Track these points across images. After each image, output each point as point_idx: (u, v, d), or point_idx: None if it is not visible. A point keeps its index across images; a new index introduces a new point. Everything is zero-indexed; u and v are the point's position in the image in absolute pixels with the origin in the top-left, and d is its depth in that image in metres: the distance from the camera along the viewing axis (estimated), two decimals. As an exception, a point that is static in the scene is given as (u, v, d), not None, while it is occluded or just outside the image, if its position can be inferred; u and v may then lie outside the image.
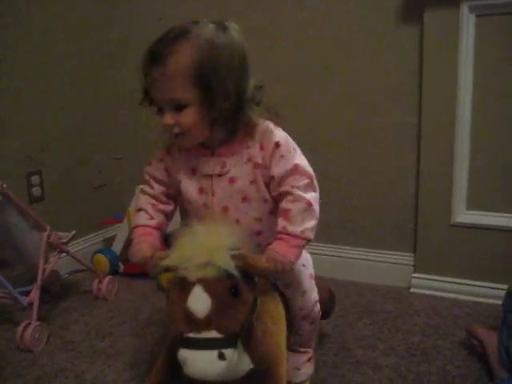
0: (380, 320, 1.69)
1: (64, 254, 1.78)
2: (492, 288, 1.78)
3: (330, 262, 1.99)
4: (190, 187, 1.09)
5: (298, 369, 1.27)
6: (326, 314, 1.43)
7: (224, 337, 0.87)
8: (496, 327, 1.39)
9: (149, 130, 2.38)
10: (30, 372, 1.42)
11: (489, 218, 1.79)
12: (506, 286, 1.38)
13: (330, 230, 2.05)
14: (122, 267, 2.13)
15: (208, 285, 0.87)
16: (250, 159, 1.05)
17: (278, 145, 1.03)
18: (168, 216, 1.16)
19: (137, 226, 1.12)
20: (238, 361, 0.93)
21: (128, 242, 2.10)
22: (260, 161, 1.04)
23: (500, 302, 1.38)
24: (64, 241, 1.75)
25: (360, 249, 2.05)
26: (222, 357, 0.85)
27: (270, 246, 1.00)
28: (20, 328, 1.53)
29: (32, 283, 1.62)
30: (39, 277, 1.62)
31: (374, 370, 1.40)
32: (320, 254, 1.95)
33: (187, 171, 1.09)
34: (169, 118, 1.01)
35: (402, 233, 1.97)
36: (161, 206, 1.14)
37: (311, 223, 1.01)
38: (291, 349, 1.24)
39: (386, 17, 1.85)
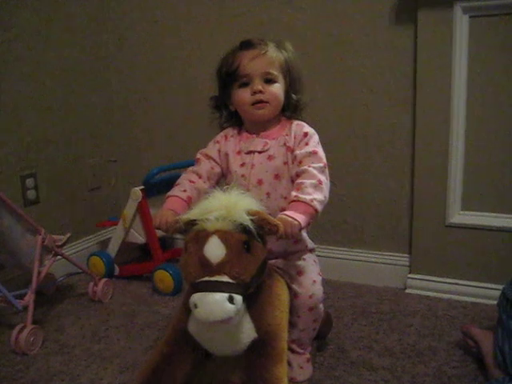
0: (376, 321, 1.69)
1: (59, 257, 1.78)
2: (487, 288, 1.78)
3: (325, 263, 1.97)
4: (234, 162, 1.28)
5: (302, 367, 1.30)
6: (321, 334, 1.46)
7: (235, 282, 0.94)
8: (491, 328, 1.40)
9: (144, 133, 2.39)
10: (25, 375, 1.42)
11: (484, 219, 1.79)
12: (501, 287, 1.38)
13: (325, 231, 2.05)
14: (117, 270, 2.12)
15: (224, 236, 0.96)
16: (285, 144, 1.25)
17: (306, 134, 1.25)
18: (201, 194, 1.25)
19: (168, 196, 1.25)
20: (243, 326, 1.04)
21: (124, 245, 2.11)
22: (291, 145, 1.24)
23: (495, 303, 1.38)
24: (59, 244, 1.75)
25: (355, 250, 2.05)
26: (231, 300, 0.92)
27: (281, 213, 1.11)
28: (15, 331, 1.52)
29: (27, 286, 1.62)
30: (34, 280, 1.61)
31: (369, 371, 1.40)
32: (316, 255, 1.94)
33: (235, 151, 1.29)
34: (259, 85, 1.22)
35: (398, 234, 1.97)
36: (198, 183, 1.27)
37: (320, 196, 1.14)
38: (290, 349, 1.26)
39: (380, 17, 1.86)
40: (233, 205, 0.98)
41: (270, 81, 1.24)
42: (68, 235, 1.78)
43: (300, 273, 1.25)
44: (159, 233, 2.08)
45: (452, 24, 1.71)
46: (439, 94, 1.77)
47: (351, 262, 2.05)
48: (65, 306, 1.86)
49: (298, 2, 1.97)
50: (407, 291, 1.92)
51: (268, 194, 1.23)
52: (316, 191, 1.14)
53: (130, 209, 2.03)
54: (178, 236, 2.39)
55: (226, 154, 1.29)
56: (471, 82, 1.75)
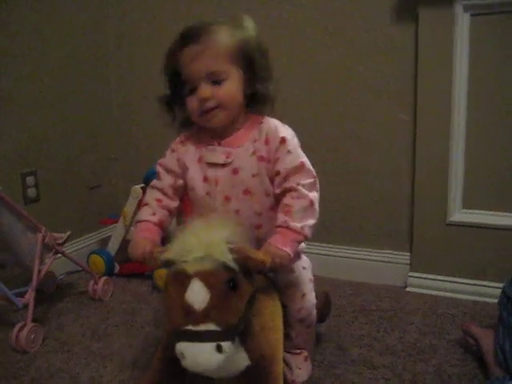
0: (376, 319, 1.69)
1: (59, 255, 1.77)
2: (488, 287, 1.78)
3: (326, 262, 1.99)
4: (195, 175, 1.13)
5: (300, 368, 1.28)
6: (321, 317, 1.45)
7: (222, 330, 0.87)
8: (492, 326, 1.40)
9: (144, 131, 2.38)
10: (25, 373, 1.42)
11: (485, 217, 1.79)
12: (501, 285, 1.37)
13: (325, 230, 2.05)
14: (117, 268, 2.12)
15: (206, 277, 0.87)
16: (254, 152, 1.09)
17: (283, 140, 1.08)
18: (171, 213, 1.18)
19: (139, 221, 1.16)
20: (236, 357, 0.95)
21: (124, 243, 2.11)
22: (264, 154, 1.09)
23: (496, 301, 1.38)
24: (59, 242, 1.74)
25: (356, 248, 2.05)
26: (219, 349, 0.85)
27: (268, 241, 1.02)
28: (15, 329, 1.52)
29: (27, 284, 1.62)
30: (34, 278, 1.61)
31: (370, 369, 1.40)
32: (316, 254, 1.94)
33: (195, 159, 1.14)
34: (206, 91, 1.05)
35: (398, 232, 1.97)
36: (165, 202, 1.17)
37: (311, 221, 1.04)
38: (286, 350, 1.23)
39: (381, 16, 1.85)
40: (213, 243, 0.89)
41: (217, 81, 1.06)
42: (68, 233, 1.78)
43: (288, 286, 1.18)
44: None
45: (453, 22, 1.71)
46: (440, 92, 1.77)
47: (352, 260, 2.04)
48: (65, 304, 1.86)
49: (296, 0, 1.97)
50: (408, 289, 1.92)
51: (237, 211, 1.11)
52: (307, 215, 1.04)
53: (130, 207, 2.03)
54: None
55: (186, 167, 1.15)
56: (472, 81, 1.74)
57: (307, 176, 1.07)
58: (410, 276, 1.93)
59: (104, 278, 1.91)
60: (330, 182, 1.98)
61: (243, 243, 0.93)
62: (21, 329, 1.52)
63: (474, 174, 1.80)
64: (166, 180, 1.18)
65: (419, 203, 1.88)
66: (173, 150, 1.20)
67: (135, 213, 2.03)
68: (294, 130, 1.16)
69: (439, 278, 1.88)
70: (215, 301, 0.87)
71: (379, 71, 1.89)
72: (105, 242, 2.27)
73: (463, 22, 1.71)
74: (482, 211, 1.80)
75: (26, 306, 1.57)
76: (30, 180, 1.99)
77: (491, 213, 1.79)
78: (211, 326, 0.86)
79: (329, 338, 1.56)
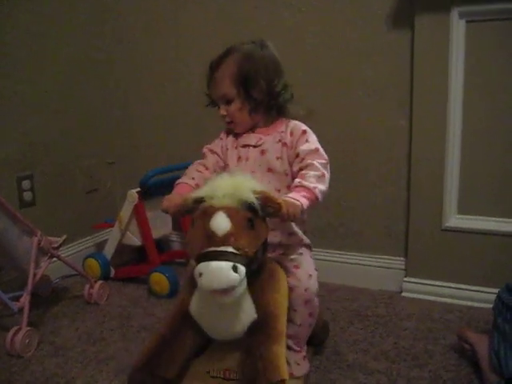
0: (371, 324, 1.70)
1: (55, 259, 1.77)
2: (483, 292, 1.79)
3: (321, 266, 1.96)
4: (232, 156, 1.34)
5: (298, 363, 1.30)
6: (318, 341, 1.49)
7: (239, 253, 0.98)
8: (487, 331, 1.40)
9: (141, 136, 2.39)
10: (21, 378, 1.41)
11: (480, 223, 1.80)
12: (496, 290, 1.38)
13: (321, 235, 2.05)
14: (113, 272, 2.12)
15: (230, 212, 1.00)
16: (280, 140, 1.29)
17: (304, 132, 1.29)
18: None
19: (177, 184, 1.30)
20: (244, 305, 1.07)
21: (120, 247, 2.11)
22: (288, 142, 1.28)
23: (491, 306, 1.39)
24: (55, 246, 1.74)
25: (351, 253, 2.05)
26: (235, 269, 0.95)
27: (284, 196, 1.14)
28: (10, 333, 1.52)
29: (22, 288, 1.61)
30: (30, 282, 1.60)
31: (365, 374, 1.40)
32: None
33: (233, 145, 1.35)
34: (222, 110, 1.31)
35: (394, 237, 1.97)
36: (205, 173, 1.32)
37: (322, 187, 1.18)
38: (287, 346, 1.24)
39: (377, 22, 1.86)
40: (239, 184, 1.03)
41: (228, 102, 1.29)
42: (64, 237, 1.78)
43: (296, 266, 1.27)
44: (155, 235, 2.08)
45: (449, 29, 1.72)
46: (436, 97, 1.78)
47: (347, 265, 2.05)
48: (60, 308, 1.86)
49: (296, 4, 1.98)
50: (403, 294, 1.92)
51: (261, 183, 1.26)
52: (319, 181, 1.18)
53: (126, 211, 2.03)
54: (174, 238, 2.40)
55: (227, 149, 1.35)
56: (468, 86, 1.75)
57: (321, 158, 1.24)
58: (406, 281, 1.93)
59: (99, 282, 1.91)
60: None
61: (264, 188, 1.06)
62: (16, 333, 1.52)
63: (469, 179, 1.81)
64: (210, 158, 1.36)
65: (415, 208, 1.88)
66: (220, 139, 1.38)
67: (131, 217, 2.03)
68: None
69: (434, 283, 1.88)
70: (235, 230, 0.99)
71: (376, 77, 1.90)
72: (100, 246, 2.27)
73: (459, 29, 1.72)
74: (478, 217, 1.80)
75: (21, 310, 1.57)
76: (25, 184, 1.99)
77: (487, 218, 1.79)
78: (230, 249, 0.97)
79: (325, 343, 1.56)
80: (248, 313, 1.08)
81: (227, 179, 1.05)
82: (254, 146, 1.30)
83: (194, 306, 1.11)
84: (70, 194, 2.22)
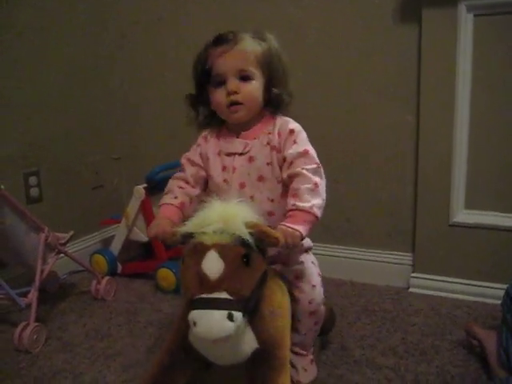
0: (379, 320, 1.69)
1: (62, 255, 1.78)
2: (491, 288, 1.78)
3: (328, 262, 1.98)
4: (215, 165, 1.23)
5: (306, 370, 1.29)
6: (324, 331, 1.46)
7: (234, 299, 0.91)
8: (495, 327, 1.39)
9: (146, 131, 2.39)
10: (28, 373, 1.42)
11: (487, 218, 1.79)
12: (505, 286, 1.37)
13: (328, 230, 2.05)
14: (120, 268, 2.12)
15: (222, 250, 0.93)
16: (268, 143, 1.19)
17: (292, 131, 1.18)
18: (192, 200, 1.24)
19: (161, 205, 1.23)
20: (245, 337, 1.01)
21: (126, 243, 2.11)
22: (276, 145, 1.18)
23: (499, 302, 1.38)
24: (62, 242, 1.75)
25: (359, 249, 2.05)
26: (230, 318, 0.89)
27: (281, 223, 1.07)
28: (18, 329, 1.52)
29: (30, 284, 1.62)
30: (37, 278, 1.61)
31: (372, 370, 1.40)
32: (319, 254, 1.93)
33: (215, 152, 1.24)
34: (235, 85, 1.16)
35: (401, 232, 1.97)
36: (187, 189, 1.24)
37: (318, 201, 1.10)
38: (293, 351, 1.25)
39: (384, 16, 1.85)
40: (231, 217, 0.95)
41: (245, 78, 1.17)
42: (71, 233, 1.79)
43: (298, 278, 1.22)
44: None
45: (456, 23, 1.70)
46: (443, 92, 1.77)
47: (354, 260, 2.04)
48: (68, 304, 1.87)
49: (301, 0, 1.97)
50: (410, 290, 1.92)
51: (252, 197, 1.18)
52: (313, 196, 1.09)
53: (132, 207, 2.04)
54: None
55: (207, 157, 1.25)
56: (475, 81, 1.74)
57: (310, 162, 1.14)
58: (413, 277, 1.93)
59: (107, 277, 1.92)
60: (332, 183, 1.97)
61: (258, 220, 0.98)
62: (24, 328, 1.52)
63: (476, 174, 1.80)
64: (189, 170, 1.26)
65: (422, 204, 1.87)
66: (198, 145, 1.29)
67: (137, 213, 2.03)
68: None
69: (442, 278, 1.88)
70: (229, 272, 0.92)
71: (383, 72, 1.89)
72: (107, 241, 2.27)
73: (466, 23, 1.70)
74: (485, 212, 1.79)
75: (28, 306, 1.57)
76: (32, 180, 1.99)
77: (494, 213, 1.79)
78: (224, 295, 0.91)
79: (332, 338, 1.56)
80: (249, 343, 1.03)
81: (217, 211, 0.96)
82: (240, 154, 1.20)
83: (193, 337, 1.04)
84: (77, 190, 2.22)
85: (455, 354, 1.47)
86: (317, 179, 1.12)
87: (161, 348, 1.15)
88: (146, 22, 2.29)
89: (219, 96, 1.18)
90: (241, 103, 1.17)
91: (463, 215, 1.82)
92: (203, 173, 1.26)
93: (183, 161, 1.29)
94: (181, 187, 1.24)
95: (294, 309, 1.20)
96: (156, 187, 2.03)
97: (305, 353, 1.30)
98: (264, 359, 1.04)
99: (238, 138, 1.22)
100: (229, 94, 1.16)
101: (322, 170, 1.15)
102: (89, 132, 2.27)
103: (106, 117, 2.37)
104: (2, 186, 1.53)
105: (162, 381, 1.09)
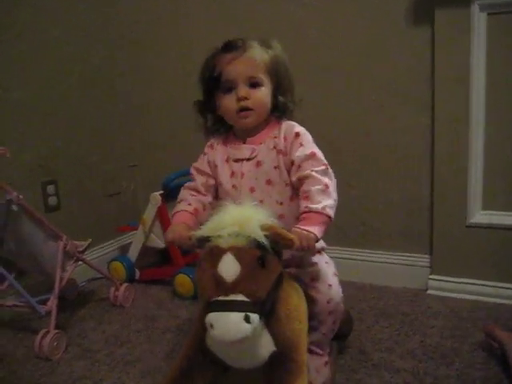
0: (397, 323, 1.68)
1: (80, 263, 1.79)
2: (510, 289, 1.76)
3: (345, 265, 1.97)
4: (223, 172, 1.25)
5: (318, 371, 1.28)
6: (343, 336, 1.47)
7: (250, 301, 0.92)
8: (515, 329, 1.38)
9: (162, 138, 2.40)
10: (49, 380, 1.43)
11: (505, 218, 1.77)
12: (524, 287, 1.36)
13: (345, 233, 2.05)
14: (138, 274, 2.14)
15: (238, 252, 0.94)
16: (275, 147, 1.21)
17: (297, 134, 1.20)
18: (205, 206, 1.27)
19: (175, 213, 1.25)
20: (262, 340, 1.01)
21: (144, 249, 2.12)
22: (282, 148, 1.20)
23: (519, 303, 1.37)
24: (80, 249, 1.76)
25: (376, 251, 2.04)
26: (247, 319, 0.89)
27: (295, 226, 1.07)
28: (38, 336, 1.54)
29: (49, 292, 1.64)
30: (56, 285, 1.63)
31: (391, 373, 1.39)
32: (336, 257, 1.93)
33: (223, 159, 1.26)
34: (243, 91, 1.18)
35: (418, 234, 1.95)
36: (199, 197, 1.27)
37: (330, 202, 1.11)
38: (309, 350, 1.24)
39: (397, 17, 1.85)
40: (246, 220, 0.96)
41: (255, 84, 1.19)
42: (89, 241, 1.80)
43: (314, 279, 1.22)
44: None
45: (470, 22, 1.69)
46: (458, 93, 1.76)
47: (371, 263, 2.03)
48: (87, 311, 1.88)
49: (312, 2, 1.97)
50: (428, 292, 1.90)
51: (261, 201, 1.18)
52: (325, 197, 1.10)
53: (149, 213, 2.05)
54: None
55: (215, 165, 1.27)
56: (490, 80, 1.73)
57: (318, 164, 1.15)
58: (431, 279, 1.91)
59: (125, 284, 1.93)
60: (346, 187, 1.98)
61: (273, 222, 0.98)
62: (44, 336, 1.54)
63: (493, 175, 1.78)
64: (199, 179, 1.28)
65: (439, 205, 1.86)
66: (204, 154, 1.30)
67: (154, 220, 2.05)
68: (310, 131, 1.24)
69: (460, 280, 1.86)
70: (245, 274, 0.93)
71: (396, 74, 1.88)
72: (125, 248, 2.29)
73: (480, 22, 1.69)
74: (502, 212, 1.77)
75: (48, 313, 1.59)
76: (50, 189, 2.02)
77: (511, 214, 1.77)
78: (240, 297, 0.91)
79: (350, 342, 1.55)
80: (266, 347, 1.03)
81: (232, 214, 0.97)
82: (248, 159, 1.22)
83: (210, 340, 1.05)
84: (94, 198, 2.25)
85: (475, 356, 1.45)
86: (326, 180, 1.13)
87: (179, 353, 1.16)
88: (157, 27, 2.31)
89: (229, 102, 1.20)
90: (251, 109, 1.19)
91: (480, 216, 1.81)
92: (212, 181, 1.28)
93: (192, 171, 1.31)
94: (193, 195, 1.27)
95: (313, 310, 1.20)
96: (172, 194, 2.03)
97: (321, 352, 1.29)
98: (281, 362, 1.04)
99: (244, 143, 1.25)
100: (239, 99, 1.18)
101: (330, 170, 1.16)
102: (104, 140, 2.30)
103: (121, 124, 2.40)
104: (21, 196, 1.55)
105: None
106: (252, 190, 1.21)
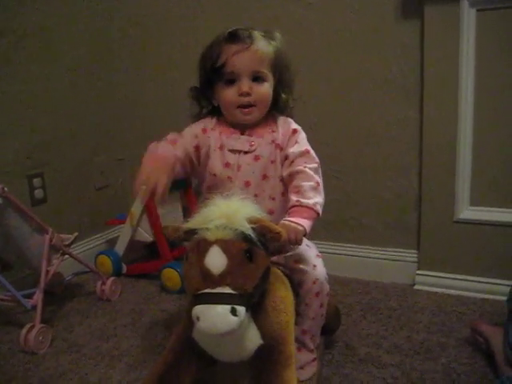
0: (384, 318, 1.69)
1: (67, 256, 1.78)
2: (497, 284, 1.77)
3: (333, 260, 1.98)
4: (216, 161, 1.21)
5: (302, 368, 1.27)
6: (331, 330, 1.47)
7: (237, 293, 0.92)
8: (501, 324, 1.39)
9: (151, 131, 2.38)
10: (35, 375, 1.42)
11: (492, 214, 1.78)
12: (510, 282, 1.37)
13: (332, 228, 2.05)
14: (125, 268, 2.13)
15: (225, 245, 0.93)
16: (273, 141, 1.21)
17: (295, 131, 1.22)
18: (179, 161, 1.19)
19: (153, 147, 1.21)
20: (249, 333, 1.01)
21: (131, 243, 2.11)
22: (280, 142, 1.21)
23: (505, 298, 1.38)
24: (67, 243, 1.75)
25: (363, 246, 2.05)
26: (234, 312, 0.89)
27: (284, 219, 1.09)
28: (24, 331, 1.53)
29: (35, 286, 1.63)
30: (42, 279, 1.62)
31: (378, 368, 1.40)
32: (323, 252, 1.94)
33: (216, 147, 1.22)
34: (248, 86, 1.17)
35: (406, 229, 1.96)
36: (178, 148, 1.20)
37: (320, 200, 1.12)
38: (301, 342, 1.26)
39: (386, 12, 1.84)
40: (233, 213, 0.96)
41: (258, 79, 1.18)
42: (76, 234, 1.79)
43: (298, 262, 1.21)
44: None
45: (459, 18, 1.69)
46: (447, 88, 1.76)
47: (359, 258, 2.04)
48: (73, 305, 1.87)
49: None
50: (416, 287, 1.91)
51: (256, 195, 1.18)
52: (316, 194, 1.12)
53: (137, 207, 2.04)
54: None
55: (207, 154, 1.22)
56: (479, 76, 1.73)
57: (311, 161, 1.17)
58: (418, 274, 1.92)
59: (112, 278, 1.92)
60: (336, 180, 1.98)
61: (261, 216, 0.98)
62: (29, 330, 1.53)
63: (481, 171, 1.79)
64: (187, 140, 1.23)
65: (427, 201, 1.87)
66: (195, 136, 1.24)
67: (142, 214, 2.04)
68: (301, 127, 1.26)
69: (447, 275, 1.87)
70: (232, 267, 0.92)
71: (386, 68, 1.88)
72: (112, 242, 2.28)
73: (469, 18, 1.69)
74: (490, 208, 1.78)
75: (34, 308, 1.58)
76: (36, 181, 1.99)
77: (499, 210, 1.78)
78: (227, 289, 0.91)
79: (337, 336, 1.55)
80: (253, 340, 1.03)
81: (220, 207, 0.97)
82: (246, 152, 1.20)
83: (197, 333, 1.05)
84: (81, 191, 2.23)
85: (461, 351, 1.46)
86: (318, 178, 1.15)
87: (165, 347, 1.16)
88: (152, 20, 2.29)
89: (230, 95, 1.19)
90: (253, 105, 1.18)
91: (468, 212, 1.81)
92: (192, 158, 1.23)
93: (187, 129, 1.26)
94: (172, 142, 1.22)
95: (300, 293, 1.21)
96: (160, 187, 2.03)
97: (312, 347, 1.28)
98: (269, 354, 1.05)
99: (242, 134, 1.22)
100: (241, 94, 1.17)
101: (320, 169, 1.18)
102: (93, 133, 2.27)
103: (110, 117, 2.38)
104: (6, 188, 1.53)
105: (166, 379, 1.09)
106: (247, 184, 1.20)
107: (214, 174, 1.22)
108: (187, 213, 2.18)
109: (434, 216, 1.86)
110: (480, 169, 1.79)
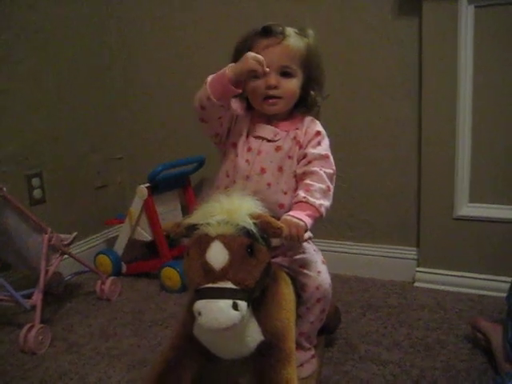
0: (384, 315, 1.69)
1: (66, 256, 1.78)
2: (496, 281, 1.77)
3: (333, 258, 1.96)
4: (241, 144, 1.23)
5: (301, 365, 1.27)
6: (331, 329, 1.47)
7: (239, 288, 0.92)
8: (500, 320, 1.39)
9: (149, 131, 2.38)
10: (34, 375, 1.42)
11: (492, 211, 1.78)
12: (510, 279, 1.37)
13: (332, 226, 2.05)
14: (124, 268, 2.13)
15: (226, 240, 0.94)
16: (295, 137, 1.22)
17: (318, 133, 1.23)
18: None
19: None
20: (250, 329, 1.02)
21: (130, 243, 2.11)
22: (301, 140, 1.21)
23: (504, 295, 1.37)
24: (66, 243, 1.75)
25: (363, 244, 2.04)
26: (235, 307, 0.90)
27: (286, 214, 1.09)
28: (23, 331, 1.53)
29: (34, 286, 1.62)
30: (41, 279, 1.61)
31: (378, 365, 1.39)
32: (323, 250, 1.93)
33: (244, 133, 1.24)
34: (276, 80, 1.17)
35: (405, 227, 1.96)
36: None
37: (327, 203, 1.14)
38: (298, 343, 1.24)
39: (385, 9, 1.84)
40: (235, 208, 0.96)
41: (286, 74, 1.19)
42: (75, 234, 1.78)
43: (303, 266, 1.22)
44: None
45: (457, 15, 1.70)
46: (445, 85, 1.76)
47: (359, 256, 2.04)
48: (73, 305, 1.87)
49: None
50: (415, 285, 1.91)
51: (269, 184, 1.20)
52: (324, 197, 1.14)
53: (136, 206, 2.04)
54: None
55: (240, 132, 1.24)
56: (477, 73, 1.73)
57: (329, 166, 1.19)
58: (418, 271, 1.92)
59: (111, 278, 1.92)
60: (336, 178, 1.97)
61: (262, 211, 0.99)
62: (29, 330, 1.53)
63: (480, 167, 1.79)
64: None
65: (426, 198, 1.87)
66: (237, 116, 1.26)
67: (141, 213, 2.03)
68: None
69: (447, 272, 1.87)
70: (234, 262, 0.93)
71: (384, 65, 1.88)
72: (111, 242, 2.27)
73: (467, 15, 1.69)
74: (489, 205, 1.78)
75: (33, 308, 1.57)
76: (35, 181, 1.99)
77: (499, 206, 1.78)
78: (229, 284, 0.92)
79: (337, 334, 1.55)
80: (254, 336, 1.03)
81: (222, 203, 0.98)
82: (269, 141, 1.22)
83: (197, 330, 1.06)
84: (80, 191, 2.22)
85: (461, 348, 1.46)
86: (330, 183, 1.17)
87: (166, 344, 1.15)
88: (149, 19, 2.28)
89: (257, 86, 1.19)
90: (279, 97, 1.19)
91: (467, 209, 1.81)
92: (228, 118, 1.24)
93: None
94: None
95: (302, 297, 1.21)
96: (159, 186, 2.03)
97: (308, 346, 1.29)
98: (269, 351, 1.05)
99: (269, 124, 1.24)
100: (268, 87, 1.18)
101: (335, 177, 1.20)
102: (91, 132, 2.27)
103: (108, 117, 2.37)
104: (4, 188, 1.53)
105: (167, 376, 1.09)
106: (263, 170, 1.20)
107: (237, 155, 1.23)
108: (186, 212, 2.19)
109: (434, 213, 1.86)
110: (479, 166, 1.79)
